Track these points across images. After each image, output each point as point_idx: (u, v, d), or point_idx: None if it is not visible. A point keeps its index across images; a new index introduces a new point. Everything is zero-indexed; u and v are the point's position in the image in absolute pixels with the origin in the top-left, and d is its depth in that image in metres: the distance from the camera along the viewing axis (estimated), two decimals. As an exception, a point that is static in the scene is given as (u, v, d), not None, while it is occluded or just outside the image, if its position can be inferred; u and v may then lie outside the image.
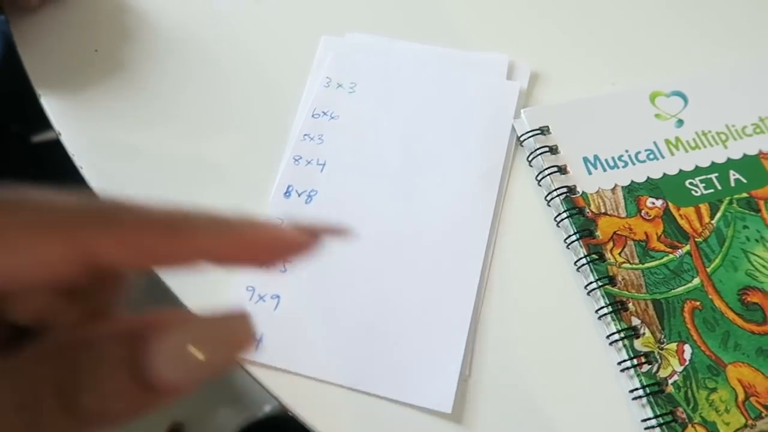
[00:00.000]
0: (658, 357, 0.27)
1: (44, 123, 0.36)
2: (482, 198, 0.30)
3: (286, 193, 0.31)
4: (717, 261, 0.29)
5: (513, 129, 0.33)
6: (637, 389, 0.26)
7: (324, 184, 0.31)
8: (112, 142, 0.34)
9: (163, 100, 0.35)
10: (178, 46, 0.37)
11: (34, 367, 0.15)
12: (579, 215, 0.30)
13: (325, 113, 0.33)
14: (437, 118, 0.33)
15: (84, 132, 0.34)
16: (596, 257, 0.29)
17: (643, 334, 0.27)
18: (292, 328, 0.27)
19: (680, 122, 0.33)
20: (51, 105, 0.35)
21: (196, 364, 0.17)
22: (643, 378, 0.26)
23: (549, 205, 0.31)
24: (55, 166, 0.42)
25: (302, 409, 0.26)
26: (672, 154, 0.32)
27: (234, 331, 0.18)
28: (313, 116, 0.33)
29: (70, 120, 0.34)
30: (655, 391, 0.26)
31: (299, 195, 0.31)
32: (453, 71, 0.34)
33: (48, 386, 0.14)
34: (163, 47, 0.37)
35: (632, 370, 0.27)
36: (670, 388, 0.26)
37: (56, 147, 0.34)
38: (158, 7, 0.38)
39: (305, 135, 0.32)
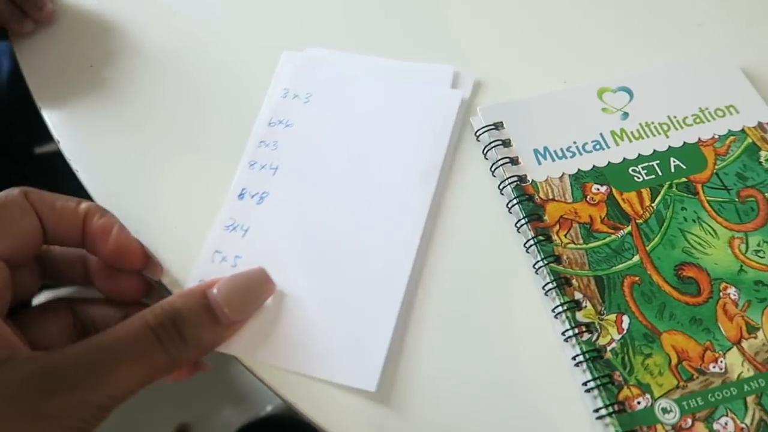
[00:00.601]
0: (598, 327, 0.30)
1: (47, 134, 0.40)
2: (419, 195, 0.33)
3: (240, 195, 0.33)
4: (656, 240, 0.32)
5: (471, 126, 0.36)
6: (578, 356, 0.29)
7: (275, 187, 0.33)
8: (106, 148, 0.37)
9: (149, 108, 0.38)
10: (160, 61, 0.40)
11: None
12: (528, 201, 0.33)
13: (281, 122, 0.35)
14: (383, 125, 0.35)
15: (81, 139, 0.37)
16: (543, 239, 0.32)
17: (585, 306, 0.30)
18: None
19: (625, 115, 0.36)
20: (51, 116, 0.38)
21: (243, 305, 0.28)
22: (583, 345, 0.29)
23: (502, 194, 0.34)
24: (57, 175, 0.46)
25: (305, 405, 0.29)
26: (617, 144, 0.35)
27: (259, 278, 0.29)
28: (269, 124, 0.35)
29: (68, 129, 0.38)
30: (594, 356, 0.29)
31: (252, 197, 0.33)
32: (400, 82, 0.37)
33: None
34: (146, 63, 0.40)
35: (574, 339, 0.29)
36: (608, 355, 0.29)
37: (57, 157, 0.38)
38: (141, 27, 0.42)
39: (261, 142, 0.35)
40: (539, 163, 0.34)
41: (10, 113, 0.60)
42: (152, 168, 0.36)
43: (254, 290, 0.29)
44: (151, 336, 0.24)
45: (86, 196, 0.34)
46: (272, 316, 0.29)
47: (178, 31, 0.42)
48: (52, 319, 0.28)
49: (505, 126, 0.35)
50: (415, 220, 0.32)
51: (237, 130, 0.36)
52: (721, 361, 0.29)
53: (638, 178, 0.34)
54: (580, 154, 0.35)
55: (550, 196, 0.33)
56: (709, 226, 0.32)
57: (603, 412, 0.28)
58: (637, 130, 0.35)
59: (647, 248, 0.32)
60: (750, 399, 0.28)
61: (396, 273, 0.31)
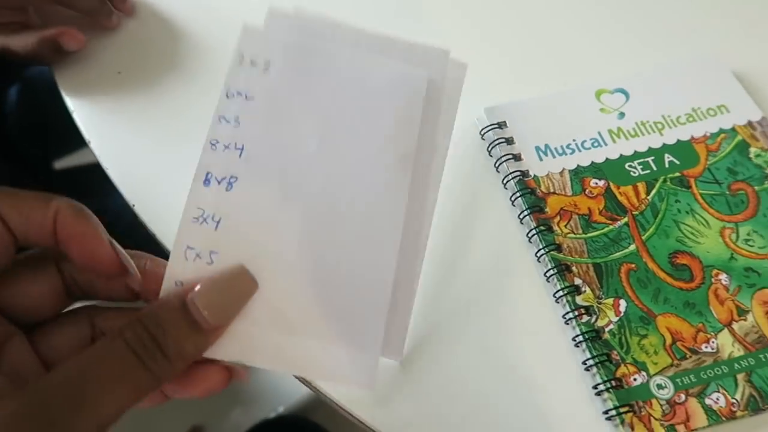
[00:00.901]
0: (596, 310, 0.31)
1: (62, 149, 0.42)
2: (395, 184, 0.31)
3: (205, 180, 0.29)
4: (651, 230, 0.34)
5: (476, 124, 0.38)
6: (577, 336, 0.31)
7: (243, 170, 0.30)
8: (133, 147, 0.40)
9: (174, 108, 0.41)
10: (187, 63, 0.43)
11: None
12: (530, 195, 0.35)
13: (239, 93, 0.31)
14: (351, 104, 0.32)
15: (110, 139, 0.40)
16: (544, 229, 0.34)
17: (584, 291, 0.32)
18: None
19: (622, 114, 0.38)
20: (81, 118, 0.41)
21: (224, 308, 0.26)
22: (582, 326, 0.31)
23: (506, 188, 0.36)
24: (79, 187, 0.49)
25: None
26: (614, 142, 0.37)
27: (240, 277, 0.27)
28: (227, 96, 0.31)
29: (98, 130, 0.40)
30: (592, 336, 0.31)
31: (219, 182, 0.30)
32: (369, 55, 0.32)
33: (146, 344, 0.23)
34: (172, 67, 0.43)
35: (573, 321, 0.31)
36: (606, 335, 0.31)
37: (73, 172, 0.40)
38: (169, 32, 0.45)
39: (221, 117, 0.30)
40: (540, 159, 0.36)
41: (25, 131, 0.64)
42: (179, 165, 0.38)
43: (235, 291, 0.27)
44: (129, 355, 0.23)
45: (107, 210, 0.35)
46: (256, 315, 0.28)
47: (205, 33, 0.44)
48: (72, 332, 0.27)
49: (508, 125, 0.38)
50: (394, 213, 0.30)
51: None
52: (713, 342, 0.31)
53: (634, 173, 0.36)
54: (579, 151, 0.37)
55: (551, 190, 0.35)
56: (702, 217, 0.34)
57: (601, 387, 0.29)
58: (633, 129, 0.38)
59: (643, 238, 0.34)
60: (740, 376, 0.30)
61: (381, 264, 0.29)
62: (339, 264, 0.29)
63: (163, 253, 0.36)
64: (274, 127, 0.31)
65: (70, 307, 0.28)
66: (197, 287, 0.25)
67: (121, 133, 0.41)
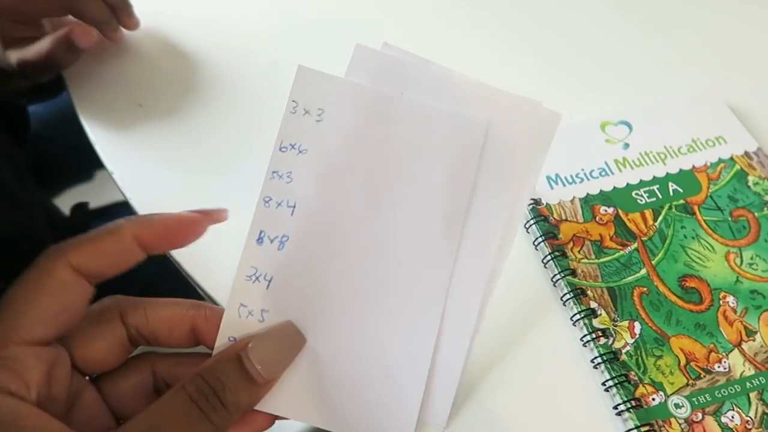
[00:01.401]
0: (612, 332, 0.33)
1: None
2: (443, 247, 0.30)
3: (259, 239, 0.30)
4: (660, 255, 0.35)
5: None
6: (596, 358, 0.32)
7: (294, 229, 0.30)
8: (155, 177, 0.41)
9: (196, 138, 0.42)
10: (207, 94, 0.44)
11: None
12: (544, 222, 0.36)
13: (293, 146, 0.30)
14: (403, 157, 0.31)
15: (132, 169, 0.41)
16: (559, 254, 0.35)
17: (600, 314, 0.33)
18: None
19: (626, 145, 0.40)
20: (104, 150, 0.42)
21: (276, 362, 0.28)
22: (600, 349, 0.32)
23: (520, 215, 0.37)
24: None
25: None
26: (620, 171, 0.39)
27: (289, 333, 0.29)
28: (280, 149, 0.30)
29: (120, 161, 0.41)
30: (611, 358, 0.32)
31: (272, 241, 0.30)
32: (427, 102, 0.31)
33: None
34: (192, 98, 0.44)
35: (591, 343, 0.32)
36: (623, 357, 0.32)
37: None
38: (187, 63, 0.46)
39: (274, 173, 0.30)
40: (551, 188, 0.38)
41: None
42: (201, 194, 0.39)
43: (285, 346, 0.29)
44: (194, 409, 0.24)
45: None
46: (303, 373, 0.29)
47: (220, 61, 0.46)
48: (135, 380, 0.28)
49: (519, 155, 0.39)
50: (441, 274, 0.30)
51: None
52: (725, 362, 0.32)
53: (641, 200, 0.38)
54: (588, 179, 0.38)
55: (564, 217, 0.37)
56: (707, 242, 0.36)
57: (622, 408, 0.30)
58: (638, 159, 0.39)
59: (653, 262, 0.35)
60: (753, 395, 0.31)
61: (425, 329, 0.30)
62: (382, 328, 0.30)
63: (191, 287, 0.37)
64: (326, 183, 0.30)
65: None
66: (251, 343, 0.27)
67: (143, 163, 0.42)
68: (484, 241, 0.30)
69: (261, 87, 0.45)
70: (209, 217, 0.28)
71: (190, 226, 0.28)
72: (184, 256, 0.37)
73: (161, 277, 0.48)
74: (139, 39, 0.48)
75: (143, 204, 0.39)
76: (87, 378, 0.27)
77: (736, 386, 0.31)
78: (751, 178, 0.38)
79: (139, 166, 0.41)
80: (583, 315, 0.33)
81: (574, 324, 0.33)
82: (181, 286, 0.37)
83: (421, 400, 0.29)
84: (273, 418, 0.29)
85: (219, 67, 0.46)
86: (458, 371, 0.30)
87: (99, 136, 0.43)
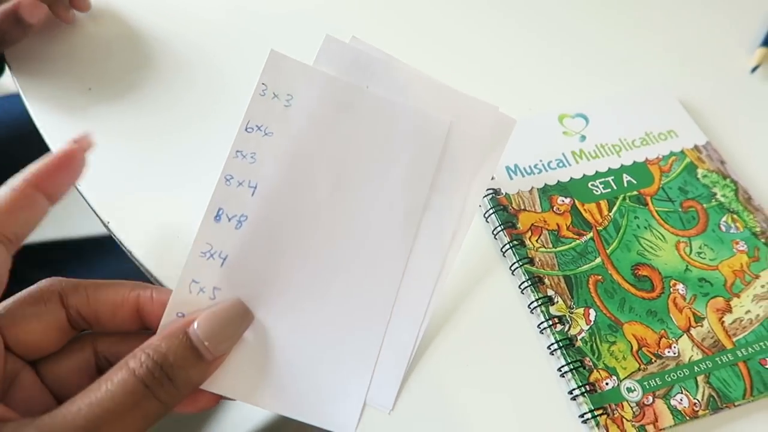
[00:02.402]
0: (568, 319, 0.33)
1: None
2: (401, 238, 0.31)
3: (216, 216, 0.29)
4: (614, 244, 0.36)
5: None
6: (552, 344, 0.33)
7: (253, 210, 0.30)
8: (107, 163, 0.39)
9: (151, 123, 0.41)
10: (161, 75, 0.43)
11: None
12: (503, 211, 0.37)
13: (258, 128, 0.30)
14: (368, 149, 0.31)
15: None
16: (517, 243, 0.36)
17: (557, 302, 0.34)
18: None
19: (583, 137, 0.41)
20: (51, 138, 0.40)
21: (224, 339, 0.28)
22: (557, 335, 0.33)
23: (480, 206, 0.38)
24: None
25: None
26: (577, 162, 0.40)
27: (237, 309, 0.29)
28: (246, 130, 0.30)
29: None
30: (566, 344, 0.32)
31: (230, 219, 0.30)
32: (393, 99, 0.31)
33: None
34: (144, 80, 0.43)
35: (548, 330, 0.33)
36: (579, 343, 0.33)
37: None
38: (139, 44, 0.44)
39: (238, 152, 0.30)
40: (511, 178, 0.39)
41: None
42: (154, 179, 0.38)
43: (234, 322, 0.28)
44: (140, 386, 0.24)
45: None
46: (252, 354, 0.29)
47: (182, 37, 0.45)
48: (76, 360, 0.28)
49: (479, 146, 0.39)
50: (395, 270, 0.31)
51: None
52: (674, 347, 0.33)
53: (597, 191, 0.38)
54: (546, 170, 0.39)
55: (522, 207, 0.37)
56: (659, 232, 0.37)
57: (576, 392, 0.31)
58: (594, 151, 0.40)
59: (607, 251, 0.36)
60: (700, 378, 0.32)
61: (376, 315, 0.30)
62: (335, 313, 0.30)
63: (131, 269, 0.36)
64: (290, 168, 0.30)
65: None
66: (198, 319, 0.27)
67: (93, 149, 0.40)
68: (437, 235, 0.32)
69: (217, 71, 0.44)
70: (80, 144, 0.28)
71: (72, 157, 0.28)
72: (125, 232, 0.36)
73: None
74: (90, 20, 0.46)
75: (93, 190, 0.38)
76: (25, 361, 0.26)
77: (684, 370, 0.32)
78: (700, 171, 0.40)
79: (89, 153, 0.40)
80: (540, 302, 0.34)
81: (531, 311, 0.34)
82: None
83: (369, 385, 0.30)
84: (217, 398, 0.28)
85: (172, 50, 0.45)
86: (407, 356, 0.31)
87: (45, 121, 0.41)
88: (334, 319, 0.30)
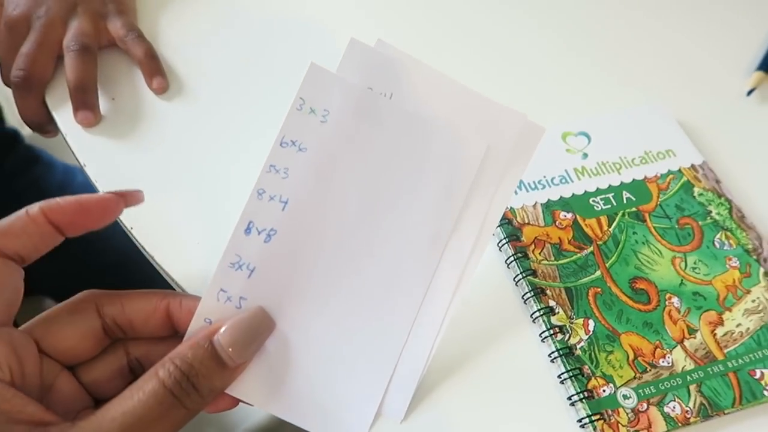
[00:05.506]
0: (569, 329, 0.35)
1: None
2: (425, 263, 0.31)
3: (247, 229, 0.30)
4: (613, 258, 0.38)
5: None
6: (553, 352, 0.34)
7: (283, 225, 0.30)
8: (128, 170, 0.41)
9: (167, 134, 0.42)
10: (185, 91, 0.45)
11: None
12: (508, 225, 0.39)
13: (293, 143, 0.30)
14: (400, 170, 0.31)
15: (104, 162, 0.41)
16: (521, 256, 0.37)
17: (558, 312, 0.36)
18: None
19: (585, 155, 0.43)
20: (75, 143, 0.42)
21: (247, 346, 0.29)
22: (557, 344, 0.34)
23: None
24: None
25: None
26: (579, 179, 0.42)
27: (259, 317, 0.30)
28: (281, 145, 0.30)
29: (92, 154, 0.41)
30: (566, 353, 0.34)
31: (259, 233, 0.30)
32: (431, 119, 0.31)
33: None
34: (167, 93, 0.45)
35: (549, 339, 0.35)
36: (578, 352, 0.34)
37: None
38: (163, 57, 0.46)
39: (272, 166, 0.30)
40: (516, 193, 0.40)
41: None
42: (174, 187, 0.40)
43: (256, 330, 0.29)
44: (168, 396, 0.25)
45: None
46: (272, 363, 0.30)
47: (206, 47, 0.46)
48: (110, 363, 0.29)
49: (486, 161, 0.41)
50: (418, 288, 0.31)
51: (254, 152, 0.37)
52: (669, 357, 0.35)
53: (597, 207, 0.40)
54: (549, 186, 0.41)
55: (526, 221, 0.39)
56: (656, 247, 0.39)
57: (575, 398, 0.33)
58: (595, 168, 0.42)
59: (606, 265, 0.38)
60: (692, 387, 0.34)
61: (395, 333, 0.31)
62: (354, 328, 0.31)
63: (160, 277, 0.38)
64: (321, 184, 0.31)
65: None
66: (222, 328, 0.28)
67: (116, 156, 0.42)
68: (460, 251, 0.32)
69: (243, 82, 0.46)
70: (125, 198, 0.29)
71: (104, 207, 0.28)
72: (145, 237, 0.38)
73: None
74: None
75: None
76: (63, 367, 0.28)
77: (677, 379, 0.34)
78: (696, 190, 0.41)
79: (111, 159, 0.42)
80: (542, 312, 0.35)
81: (533, 321, 0.36)
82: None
83: (381, 402, 0.31)
84: (236, 401, 0.30)
85: (197, 61, 0.47)
86: (421, 370, 0.32)
87: (71, 129, 0.43)
88: (353, 335, 0.31)
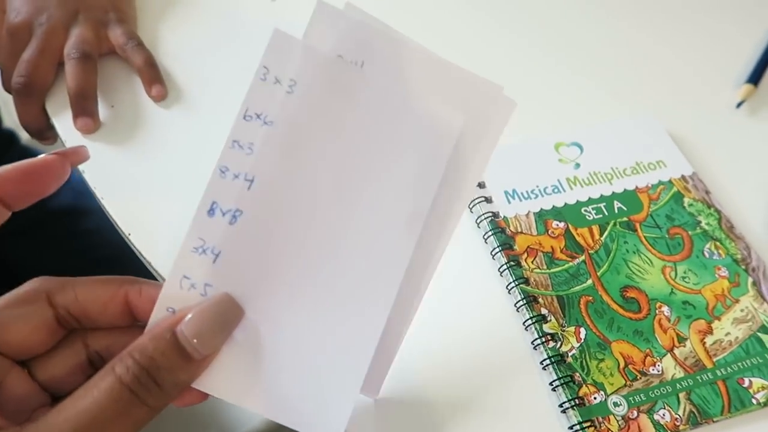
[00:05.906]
0: (560, 336, 0.36)
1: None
2: (400, 245, 0.29)
3: (210, 210, 0.28)
4: (605, 267, 0.39)
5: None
6: (545, 360, 0.35)
7: (249, 205, 0.28)
8: (126, 176, 0.41)
9: (167, 145, 0.43)
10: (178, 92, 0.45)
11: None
12: (501, 233, 0.39)
13: (258, 116, 0.28)
14: (375, 146, 0.29)
15: (103, 169, 0.42)
16: (514, 264, 0.38)
17: (550, 320, 0.36)
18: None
19: (577, 165, 0.44)
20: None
21: (213, 336, 0.26)
22: (549, 351, 0.35)
23: (479, 227, 0.40)
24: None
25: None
26: (571, 188, 0.42)
27: (226, 305, 0.28)
28: (244, 118, 0.28)
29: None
30: (558, 360, 0.35)
31: (224, 214, 0.28)
32: (403, 91, 0.29)
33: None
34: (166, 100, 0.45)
35: (541, 346, 0.35)
36: (569, 359, 0.35)
37: None
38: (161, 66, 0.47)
39: (234, 142, 0.28)
40: (509, 202, 0.41)
41: None
42: (173, 194, 0.40)
43: (223, 319, 0.27)
44: (126, 393, 0.23)
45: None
46: (242, 353, 0.28)
47: (202, 59, 0.47)
48: (67, 357, 0.27)
49: (480, 171, 0.42)
50: (395, 269, 0.29)
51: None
52: (659, 365, 0.35)
53: (589, 216, 0.41)
54: (542, 195, 0.42)
55: (519, 230, 0.40)
56: (646, 256, 0.39)
57: (566, 405, 0.33)
58: (587, 178, 0.43)
59: (598, 274, 0.38)
60: (682, 395, 0.34)
61: (372, 319, 0.29)
62: (329, 314, 0.29)
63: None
64: (289, 161, 0.28)
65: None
66: (186, 317, 0.26)
67: (115, 163, 0.42)
68: (435, 228, 0.30)
69: (241, 90, 0.46)
70: (68, 157, 0.26)
71: (49, 170, 0.26)
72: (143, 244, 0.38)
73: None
74: (114, 40, 0.48)
75: (115, 205, 0.40)
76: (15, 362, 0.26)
77: (667, 387, 0.34)
78: (686, 200, 0.42)
79: (110, 166, 0.42)
80: (534, 320, 0.36)
81: (526, 328, 0.36)
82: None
83: (357, 392, 0.29)
84: (204, 395, 0.28)
85: (196, 69, 0.47)
86: (397, 348, 0.30)
87: (70, 136, 0.43)
88: (327, 321, 0.29)
